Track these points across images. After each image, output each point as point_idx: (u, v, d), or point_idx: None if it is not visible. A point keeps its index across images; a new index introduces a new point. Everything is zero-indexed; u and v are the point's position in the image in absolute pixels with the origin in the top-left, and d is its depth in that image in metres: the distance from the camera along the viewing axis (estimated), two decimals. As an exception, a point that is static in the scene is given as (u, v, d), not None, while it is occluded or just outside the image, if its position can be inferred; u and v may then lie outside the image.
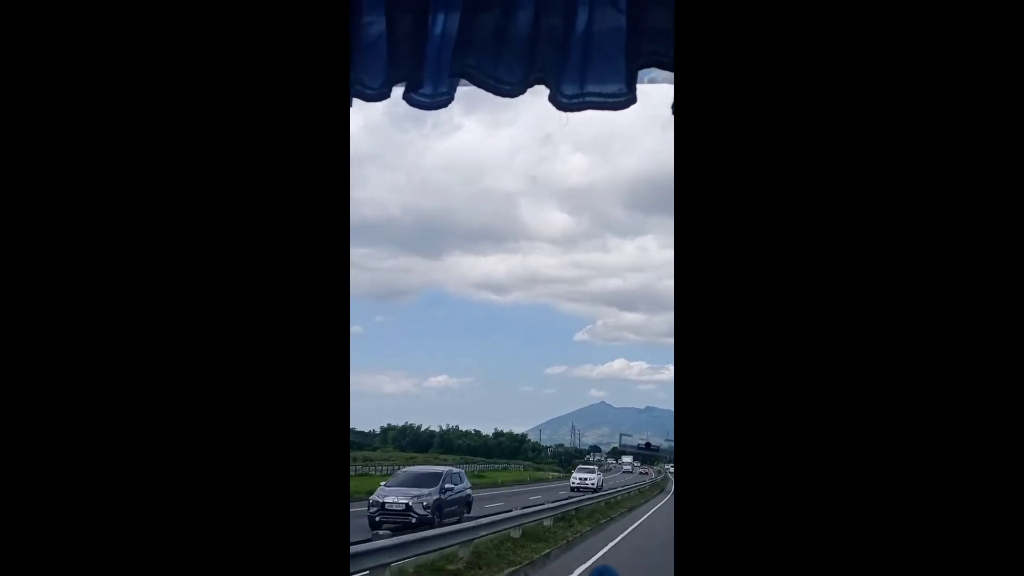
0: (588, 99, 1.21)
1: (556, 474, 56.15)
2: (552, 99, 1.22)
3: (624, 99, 1.20)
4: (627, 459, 77.26)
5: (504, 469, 56.95)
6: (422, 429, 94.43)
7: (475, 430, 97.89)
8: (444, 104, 1.28)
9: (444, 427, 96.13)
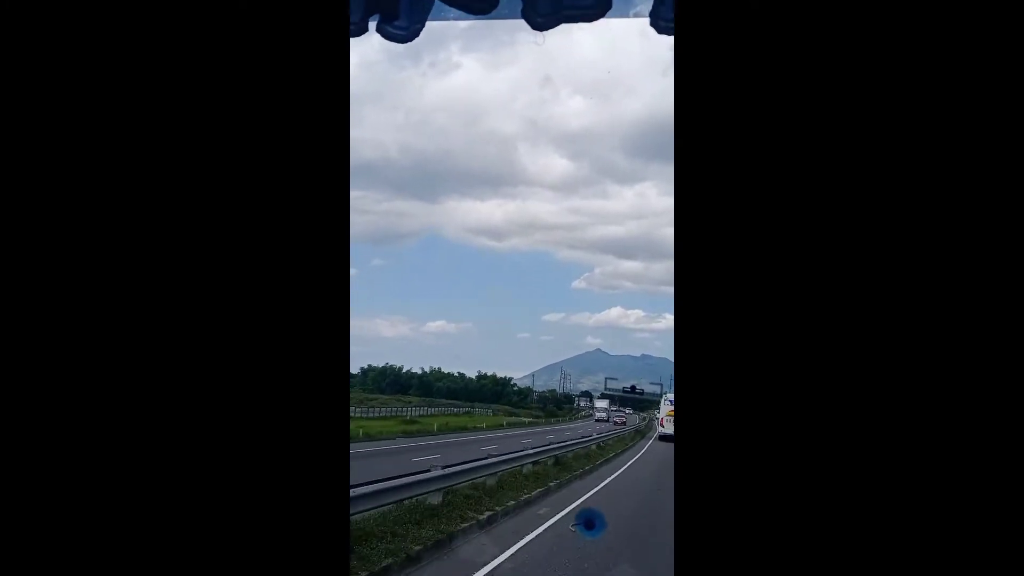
0: (564, 13, 1.22)
1: (531, 420, 54.86)
2: (526, 16, 1.22)
3: (599, 7, 1.20)
4: (601, 404, 69.44)
5: (467, 414, 53.85)
6: (403, 371, 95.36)
7: (459, 373, 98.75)
8: (416, 34, 1.28)
9: (425, 369, 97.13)
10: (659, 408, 40.77)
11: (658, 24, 1.20)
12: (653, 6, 1.20)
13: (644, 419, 59.99)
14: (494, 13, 1.24)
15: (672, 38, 1.10)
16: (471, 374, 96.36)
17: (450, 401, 68.29)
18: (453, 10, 1.27)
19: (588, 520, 2.03)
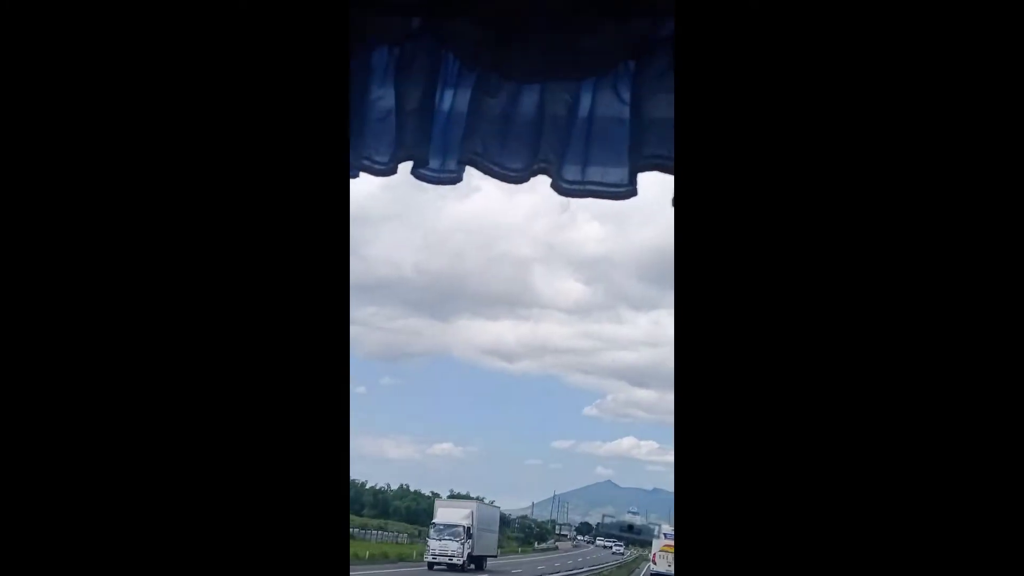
0: (589, 187, 1.38)
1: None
2: (554, 185, 1.38)
3: (625, 190, 1.37)
4: (451, 515, 28.01)
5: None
6: (366, 486, 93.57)
7: (432, 492, 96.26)
8: (452, 181, 1.44)
9: (391, 486, 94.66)
10: (652, 544, 38.73)
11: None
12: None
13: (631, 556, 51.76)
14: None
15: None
16: (444, 494, 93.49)
17: (367, 519, 63.68)
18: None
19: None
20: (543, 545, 62.18)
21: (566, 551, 56.12)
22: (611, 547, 57.28)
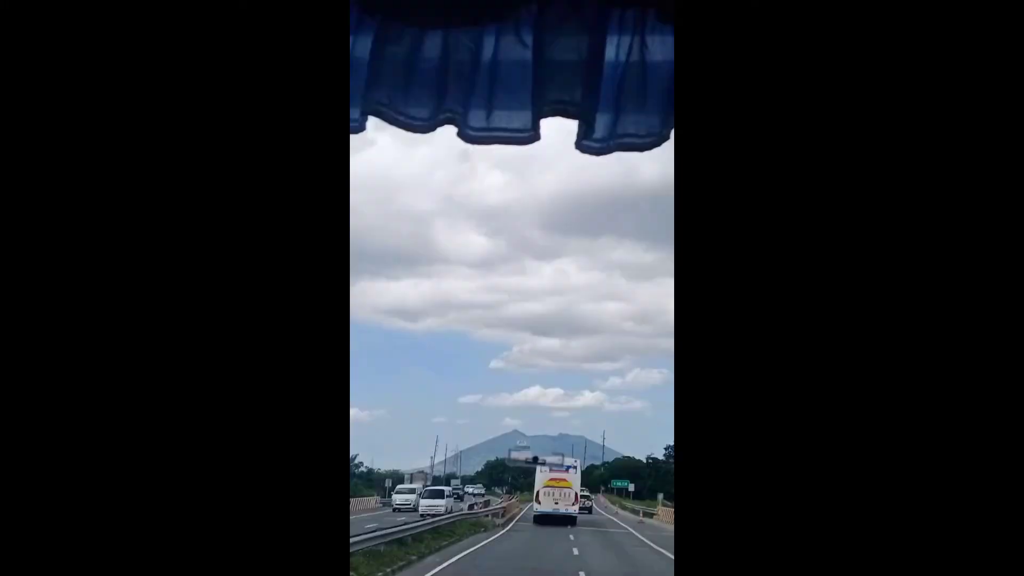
0: (495, 134, 1.45)
1: None
2: (460, 134, 1.43)
3: (528, 135, 1.44)
4: None
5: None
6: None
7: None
8: (355, 131, 1.44)
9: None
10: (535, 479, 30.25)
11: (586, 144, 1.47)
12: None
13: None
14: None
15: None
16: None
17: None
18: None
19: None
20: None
21: (366, 509, 36.79)
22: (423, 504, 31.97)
